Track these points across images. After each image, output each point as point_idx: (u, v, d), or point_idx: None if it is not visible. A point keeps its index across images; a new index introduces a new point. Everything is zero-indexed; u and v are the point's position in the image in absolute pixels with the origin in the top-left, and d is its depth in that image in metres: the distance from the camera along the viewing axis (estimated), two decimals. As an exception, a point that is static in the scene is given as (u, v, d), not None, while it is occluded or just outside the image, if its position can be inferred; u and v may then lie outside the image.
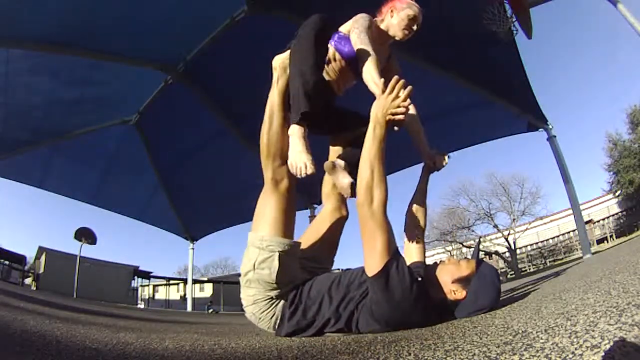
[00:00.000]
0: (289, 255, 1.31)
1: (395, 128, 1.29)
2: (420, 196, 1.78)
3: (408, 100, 1.24)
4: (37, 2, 3.22)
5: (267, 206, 1.39)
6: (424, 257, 1.70)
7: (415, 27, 1.70)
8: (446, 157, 1.78)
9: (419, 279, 1.27)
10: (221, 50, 4.18)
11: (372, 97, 1.36)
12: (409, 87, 1.25)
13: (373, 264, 1.15)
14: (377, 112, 1.26)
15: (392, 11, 1.71)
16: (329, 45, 1.67)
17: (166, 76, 4.66)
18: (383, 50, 1.76)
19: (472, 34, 3.51)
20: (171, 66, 4.50)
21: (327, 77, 1.68)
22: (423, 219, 1.75)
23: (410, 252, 1.67)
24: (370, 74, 1.45)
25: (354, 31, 1.59)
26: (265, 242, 1.31)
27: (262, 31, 3.84)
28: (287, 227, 1.38)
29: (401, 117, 1.25)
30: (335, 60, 1.68)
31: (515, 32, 3.18)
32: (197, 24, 3.99)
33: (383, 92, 1.28)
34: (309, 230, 1.64)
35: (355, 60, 1.65)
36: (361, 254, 1.21)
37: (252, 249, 1.32)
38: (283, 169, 1.40)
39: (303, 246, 1.47)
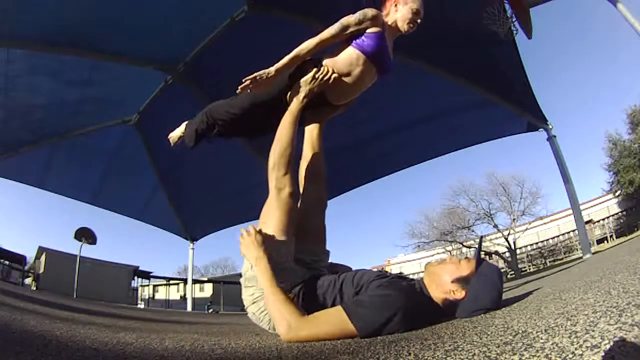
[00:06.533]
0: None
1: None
2: None
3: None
4: (37, 2, 3.22)
5: (270, 212, 1.47)
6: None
7: (419, 21, 1.72)
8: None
9: (405, 282, 1.29)
10: (221, 50, 4.18)
11: None
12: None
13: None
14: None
15: (396, 5, 1.72)
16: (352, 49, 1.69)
17: (166, 76, 4.66)
18: (391, 45, 1.77)
19: (472, 34, 3.52)
20: (171, 66, 4.51)
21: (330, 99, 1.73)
22: None
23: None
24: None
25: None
26: None
27: (262, 31, 3.84)
28: (289, 230, 1.44)
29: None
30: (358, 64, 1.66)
31: (515, 32, 3.19)
32: (197, 24, 4.00)
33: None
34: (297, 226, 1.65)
35: (377, 55, 1.67)
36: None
37: None
38: (285, 178, 1.51)
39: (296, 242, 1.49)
